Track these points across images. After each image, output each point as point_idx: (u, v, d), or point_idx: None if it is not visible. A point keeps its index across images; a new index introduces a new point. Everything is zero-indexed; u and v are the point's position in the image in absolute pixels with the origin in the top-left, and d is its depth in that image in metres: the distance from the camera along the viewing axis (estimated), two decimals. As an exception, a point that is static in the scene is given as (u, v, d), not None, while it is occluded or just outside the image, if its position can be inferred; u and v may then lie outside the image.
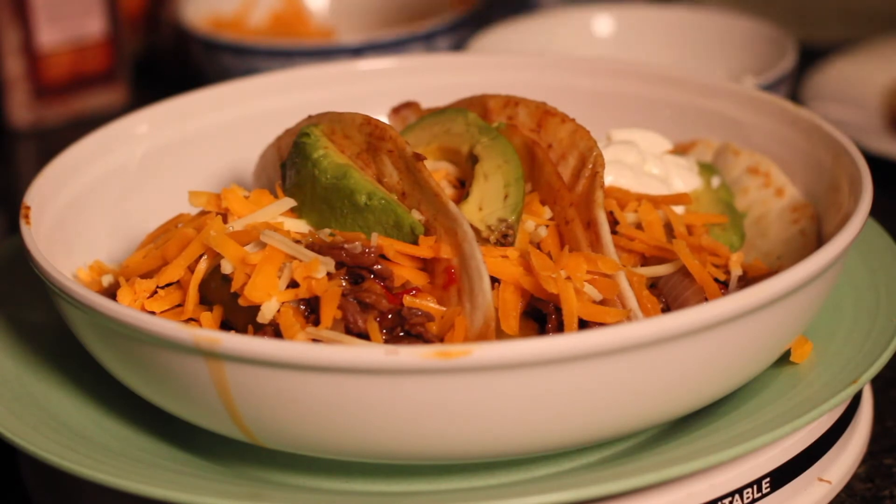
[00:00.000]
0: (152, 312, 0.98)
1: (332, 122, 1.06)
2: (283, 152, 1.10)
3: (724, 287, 1.01)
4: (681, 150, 1.19)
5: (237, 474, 0.98)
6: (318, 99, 1.25)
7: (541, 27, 1.65)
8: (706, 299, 0.98)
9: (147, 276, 1.01)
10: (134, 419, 1.01)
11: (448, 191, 1.06)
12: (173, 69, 1.91)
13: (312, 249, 0.96)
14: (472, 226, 0.97)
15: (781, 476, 0.97)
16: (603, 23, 1.67)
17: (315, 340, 0.91)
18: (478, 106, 1.12)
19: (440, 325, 0.94)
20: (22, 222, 1.02)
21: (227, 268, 0.96)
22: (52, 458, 0.92)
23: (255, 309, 0.94)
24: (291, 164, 1.05)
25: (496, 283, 0.96)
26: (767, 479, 0.96)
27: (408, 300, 0.95)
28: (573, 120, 1.06)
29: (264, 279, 0.94)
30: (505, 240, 1.00)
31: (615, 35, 1.67)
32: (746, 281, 1.02)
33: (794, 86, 1.57)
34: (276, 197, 1.04)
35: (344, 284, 0.94)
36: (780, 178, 1.14)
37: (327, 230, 1.00)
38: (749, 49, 1.59)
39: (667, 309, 1.00)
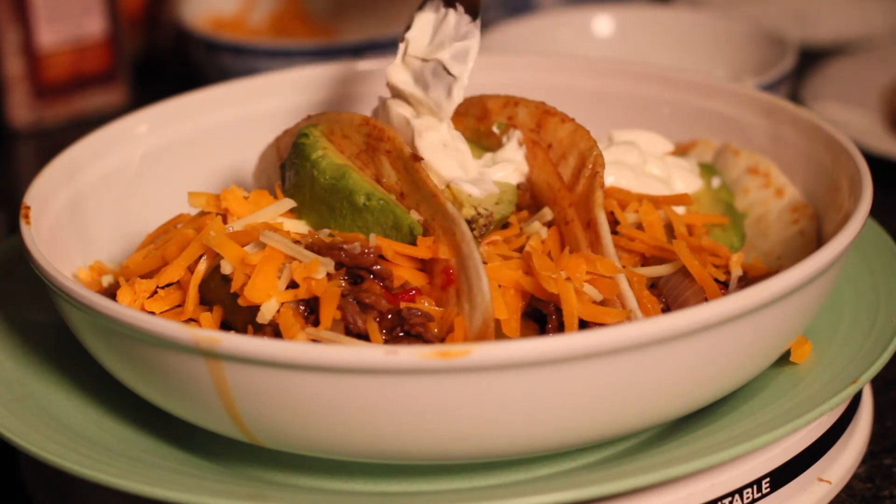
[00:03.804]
0: (152, 312, 0.98)
1: (331, 123, 1.06)
2: (283, 153, 1.10)
3: (724, 287, 1.01)
4: (681, 150, 1.19)
5: (237, 474, 0.98)
6: (318, 99, 1.25)
7: (541, 27, 1.65)
8: (706, 299, 0.98)
9: (147, 276, 1.01)
10: (134, 419, 1.01)
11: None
12: (173, 69, 1.91)
13: (312, 250, 0.96)
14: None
15: (781, 476, 0.97)
16: (603, 23, 1.67)
17: (314, 341, 0.91)
18: (477, 106, 1.11)
19: (439, 326, 0.94)
20: (22, 222, 1.02)
21: (226, 268, 0.96)
22: (52, 458, 0.92)
23: (255, 309, 0.94)
24: (290, 165, 1.05)
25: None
26: (767, 479, 0.96)
27: (405, 305, 0.94)
28: (573, 120, 1.06)
29: (264, 279, 0.94)
30: (485, 229, 1.00)
31: (615, 35, 1.66)
32: (746, 281, 1.02)
33: (794, 86, 1.57)
34: (276, 198, 1.04)
35: (343, 285, 0.94)
36: (780, 178, 1.14)
37: (326, 231, 1.00)
38: (749, 49, 1.59)
39: (667, 309, 1.00)
